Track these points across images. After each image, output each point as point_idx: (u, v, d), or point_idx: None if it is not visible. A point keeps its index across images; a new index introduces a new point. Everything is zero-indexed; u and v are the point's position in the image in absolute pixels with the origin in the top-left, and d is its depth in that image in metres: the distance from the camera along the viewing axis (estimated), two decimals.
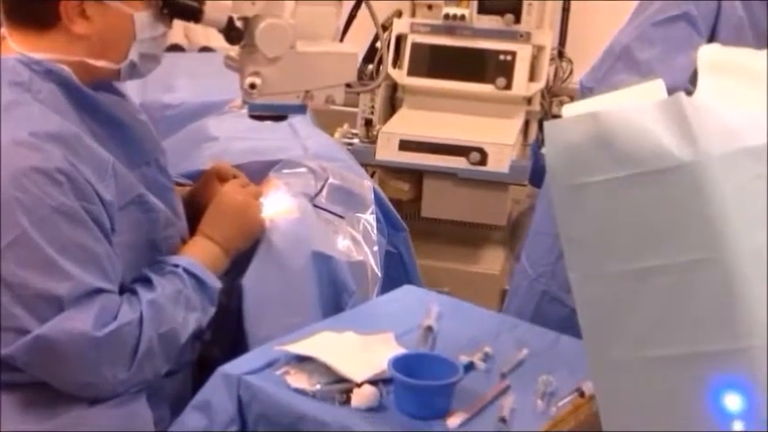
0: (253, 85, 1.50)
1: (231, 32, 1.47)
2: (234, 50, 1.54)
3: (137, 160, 1.48)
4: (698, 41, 1.66)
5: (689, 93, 1.03)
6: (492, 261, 2.82)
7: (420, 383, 1.30)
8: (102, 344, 1.32)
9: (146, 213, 1.46)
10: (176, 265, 1.47)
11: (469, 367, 1.43)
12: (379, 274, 1.80)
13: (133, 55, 1.42)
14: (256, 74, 1.51)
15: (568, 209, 1.05)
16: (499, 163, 2.57)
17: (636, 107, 1.01)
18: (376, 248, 1.82)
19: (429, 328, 1.52)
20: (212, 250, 1.56)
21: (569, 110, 1.06)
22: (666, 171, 0.99)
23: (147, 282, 1.43)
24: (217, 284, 1.52)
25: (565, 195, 1.05)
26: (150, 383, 1.43)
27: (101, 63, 1.40)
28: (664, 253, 1.03)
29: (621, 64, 1.74)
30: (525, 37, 2.78)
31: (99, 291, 1.33)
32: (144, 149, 1.51)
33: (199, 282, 1.48)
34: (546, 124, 1.04)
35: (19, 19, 1.38)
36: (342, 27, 2.79)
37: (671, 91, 1.04)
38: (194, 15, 1.44)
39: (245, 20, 1.48)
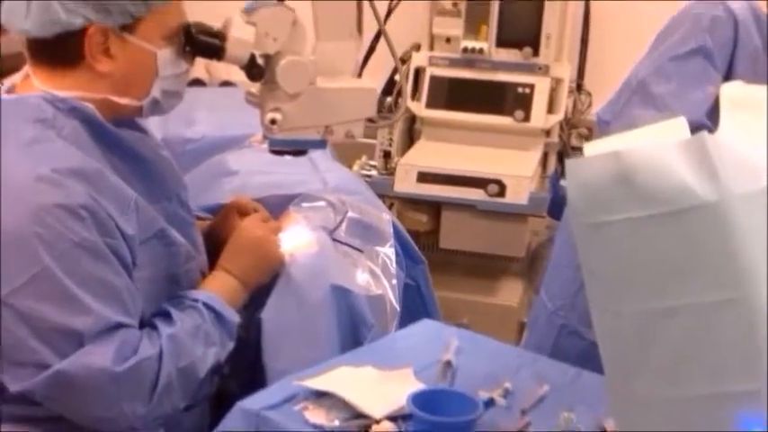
0: (273, 121, 1.52)
1: (253, 69, 1.48)
2: (255, 86, 1.55)
3: (158, 195, 1.49)
4: (714, 76, 1.66)
5: (707, 128, 1.03)
6: (510, 293, 2.81)
7: (439, 420, 1.29)
8: (122, 379, 1.32)
9: (167, 248, 1.47)
10: (196, 300, 1.48)
11: (489, 403, 1.42)
12: (398, 308, 1.79)
13: (156, 92, 1.44)
14: (277, 109, 1.52)
15: (590, 246, 1.05)
16: (518, 195, 2.58)
17: (658, 146, 1.01)
18: (395, 282, 1.82)
19: (448, 363, 1.51)
20: (231, 284, 1.56)
21: (591, 148, 1.06)
22: (689, 210, 0.99)
23: (167, 316, 1.44)
24: (236, 319, 1.52)
25: (586, 233, 1.05)
26: (168, 418, 1.43)
27: (124, 100, 1.42)
28: (685, 292, 1.03)
29: (638, 98, 1.75)
30: (544, 70, 2.79)
31: (119, 325, 1.34)
32: (165, 184, 1.52)
33: (218, 316, 1.48)
34: (568, 162, 1.04)
35: (43, 57, 1.40)
36: (361, 60, 2.82)
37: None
38: (216, 53, 1.46)
39: (267, 57, 1.50)
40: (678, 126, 1.09)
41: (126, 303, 1.36)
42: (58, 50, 1.37)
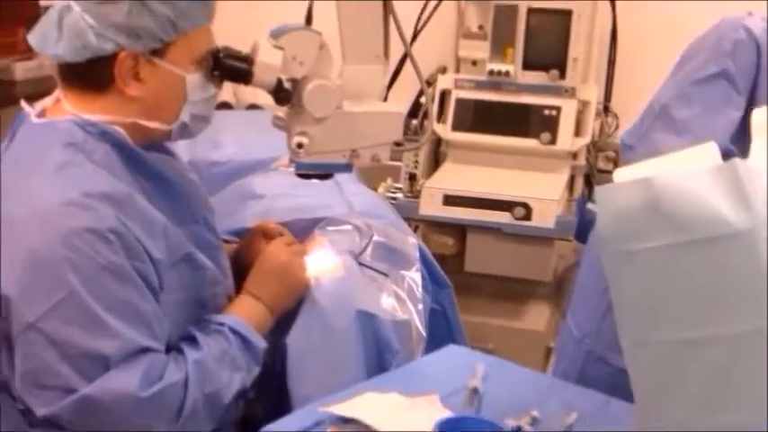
0: (300, 145, 1.52)
1: (280, 93, 1.48)
2: (282, 110, 1.55)
3: (185, 218, 1.49)
4: (737, 100, 1.64)
5: (731, 154, 1.01)
6: (537, 317, 2.78)
7: None
8: (148, 404, 1.32)
9: (194, 271, 1.47)
10: (222, 324, 1.47)
11: None
12: (424, 333, 1.78)
13: (184, 116, 1.44)
14: (304, 133, 1.52)
15: (620, 275, 1.04)
16: (544, 218, 2.56)
17: (689, 173, 1.00)
18: (421, 306, 1.80)
19: (475, 390, 1.50)
20: (258, 309, 1.55)
21: (621, 174, 1.05)
22: (722, 238, 0.97)
23: (193, 341, 1.43)
24: (262, 344, 1.51)
25: (616, 261, 1.04)
26: None
27: (153, 124, 1.42)
28: (717, 321, 1.01)
29: (660, 123, 1.73)
30: (570, 92, 2.78)
31: (146, 350, 1.34)
32: (192, 207, 1.52)
33: (244, 341, 1.48)
34: (597, 189, 1.03)
35: (74, 81, 1.41)
36: (387, 83, 2.82)
37: None
38: (244, 77, 1.46)
39: (294, 81, 1.50)
40: (708, 152, 1.08)
41: (153, 327, 1.36)
42: (89, 75, 1.38)
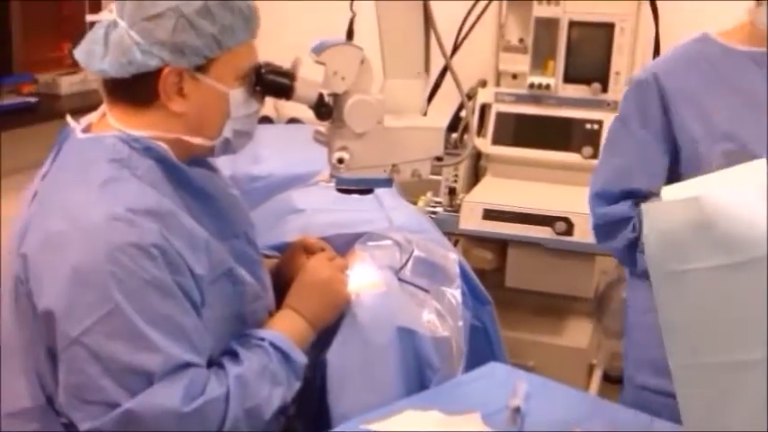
0: (341, 160, 1.51)
1: (321, 109, 1.48)
2: (323, 125, 1.55)
3: (227, 233, 1.49)
4: (633, 138, 1.75)
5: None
6: (578, 334, 2.75)
7: None
8: (189, 419, 1.32)
9: (235, 286, 1.47)
10: (263, 339, 1.47)
11: None
12: (464, 350, 1.76)
13: (227, 132, 1.45)
14: (344, 148, 1.51)
15: (669, 296, 1.01)
16: (586, 233, 2.51)
17: (739, 191, 0.97)
18: (461, 323, 1.79)
19: (517, 409, 1.47)
20: (298, 324, 1.55)
21: (669, 192, 1.03)
22: None
23: (234, 356, 1.43)
24: (302, 359, 1.50)
25: (665, 281, 1.01)
26: None
27: (197, 140, 1.43)
28: (765, 345, 0.98)
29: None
30: (612, 105, 2.74)
31: (187, 365, 1.34)
32: (234, 222, 1.52)
33: (285, 356, 1.47)
34: (645, 207, 1.01)
35: (119, 97, 1.42)
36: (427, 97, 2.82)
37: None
38: (286, 93, 1.46)
39: (335, 96, 1.50)
40: (758, 169, 1.05)
41: (194, 342, 1.36)
42: (134, 90, 1.39)
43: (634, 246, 1.70)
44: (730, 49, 1.71)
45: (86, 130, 1.45)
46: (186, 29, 1.35)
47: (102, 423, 1.30)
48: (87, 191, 1.34)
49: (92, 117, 1.48)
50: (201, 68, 1.39)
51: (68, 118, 1.48)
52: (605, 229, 1.81)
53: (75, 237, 1.31)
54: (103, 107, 1.46)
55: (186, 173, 1.43)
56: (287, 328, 1.52)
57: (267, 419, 1.42)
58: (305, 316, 1.55)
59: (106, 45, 1.37)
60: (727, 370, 1.00)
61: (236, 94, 1.43)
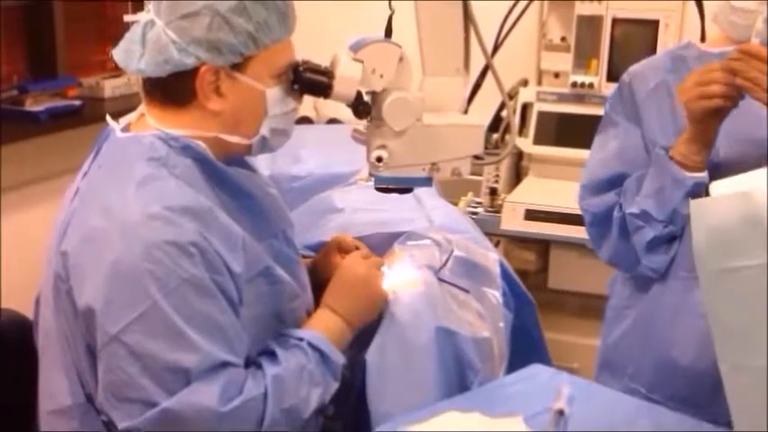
0: (380, 159, 1.50)
1: (359, 107, 1.47)
2: (361, 123, 1.54)
3: (265, 232, 1.49)
4: (618, 130, 1.76)
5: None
6: None
7: None
8: (227, 419, 1.31)
9: (272, 286, 1.46)
10: (301, 339, 1.46)
11: None
12: (506, 351, 1.73)
13: (264, 130, 1.44)
14: (383, 147, 1.50)
15: (718, 294, 0.98)
16: None
17: None
18: (502, 324, 1.76)
19: (560, 412, 1.45)
20: (336, 323, 1.54)
21: (717, 187, 1.00)
22: None
23: (272, 355, 1.42)
24: (340, 360, 1.49)
25: (714, 280, 0.98)
26: None
27: (234, 138, 1.42)
28: None
29: None
30: None
31: (225, 364, 1.33)
32: (272, 222, 1.52)
33: (323, 356, 1.46)
34: (692, 203, 0.98)
35: (157, 96, 1.42)
36: (467, 96, 2.80)
37: None
38: (324, 91, 1.45)
39: (373, 93, 1.48)
40: None
41: (232, 342, 1.36)
42: (171, 89, 1.40)
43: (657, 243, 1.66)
44: (704, 52, 1.70)
45: (125, 129, 1.46)
46: (222, 26, 1.35)
47: (140, 422, 1.30)
48: (125, 189, 1.34)
49: (131, 117, 1.49)
50: (238, 66, 1.38)
51: (108, 118, 1.49)
52: (598, 220, 1.77)
53: (113, 234, 1.31)
54: (142, 107, 1.46)
55: (224, 171, 1.42)
56: (324, 328, 1.51)
57: (306, 419, 1.41)
58: (342, 315, 1.54)
59: (143, 44, 1.37)
60: None
61: (273, 93, 1.42)
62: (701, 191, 1.50)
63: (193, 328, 1.30)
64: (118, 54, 1.41)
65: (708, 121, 1.54)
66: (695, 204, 0.98)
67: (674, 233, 1.61)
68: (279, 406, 1.37)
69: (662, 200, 1.61)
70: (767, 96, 1.43)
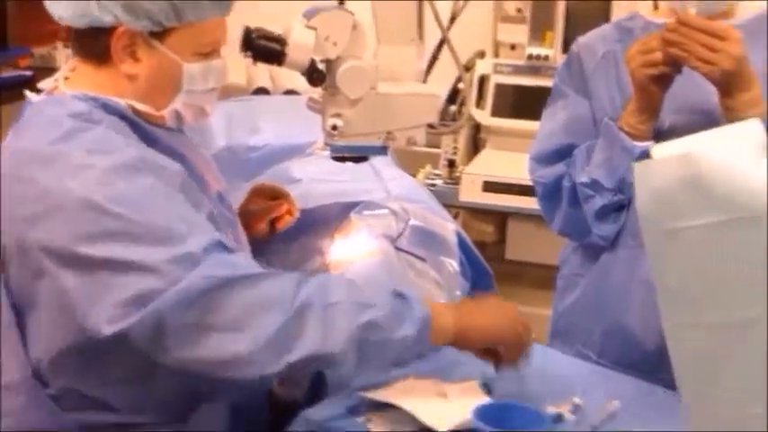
0: (334, 127, 1.50)
1: (313, 74, 1.46)
2: (316, 92, 1.54)
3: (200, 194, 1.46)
4: (566, 101, 1.78)
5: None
6: None
7: None
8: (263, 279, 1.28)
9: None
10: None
11: (558, 419, 1.38)
12: None
13: (177, 104, 1.41)
14: (338, 115, 1.50)
15: (662, 255, 1.00)
16: None
17: (731, 148, 0.96)
18: (459, 293, 1.78)
19: (516, 376, 1.47)
20: (446, 313, 1.40)
21: (659, 150, 1.01)
22: (763, 216, 0.93)
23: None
24: (424, 313, 1.34)
25: (657, 241, 1.00)
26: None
27: (141, 106, 1.39)
28: (761, 303, 0.97)
29: None
30: None
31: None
32: (206, 183, 1.48)
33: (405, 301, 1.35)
34: (636, 166, 1.00)
35: (78, 50, 1.41)
36: (424, 68, 2.80)
37: None
38: (277, 58, 1.44)
39: (327, 62, 1.48)
40: (751, 129, 1.03)
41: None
42: (89, 44, 1.37)
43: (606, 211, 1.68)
44: (650, 22, 1.73)
45: (54, 89, 1.42)
46: None
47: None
48: (52, 141, 1.30)
49: (63, 72, 1.44)
50: (158, 35, 1.36)
51: (27, 92, 1.44)
52: (549, 192, 1.79)
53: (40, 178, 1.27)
54: (62, 71, 1.43)
55: (150, 130, 1.39)
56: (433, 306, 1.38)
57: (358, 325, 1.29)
58: (458, 315, 1.41)
59: None
60: (724, 329, 0.99)
61: (192, 69, 1.39)
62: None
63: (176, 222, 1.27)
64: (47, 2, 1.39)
65: (652, 88, 1.56)
66: (639, 167, 1.00)
67: (623, 202, 1.63)
68: (323, 300, 1.27)
69: (611, 169, 1.63)
70: (704, 66, 1.46)
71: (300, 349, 1.26)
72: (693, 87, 1.56)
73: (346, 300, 1.30)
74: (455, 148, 2.78)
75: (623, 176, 1.60)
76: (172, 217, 1.29)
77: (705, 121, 1.52)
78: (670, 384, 1.19)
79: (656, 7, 1.91)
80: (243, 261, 1.32)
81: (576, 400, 1.42)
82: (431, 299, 1.49)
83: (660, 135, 1.58)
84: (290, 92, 2.92)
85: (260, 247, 1.66)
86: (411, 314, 1.34)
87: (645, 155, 1.55)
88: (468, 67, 2.84)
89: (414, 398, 1.38)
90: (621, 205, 1.64)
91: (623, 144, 1.60)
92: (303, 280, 1.31)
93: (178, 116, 1.43)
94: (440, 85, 2.74)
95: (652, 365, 1.54)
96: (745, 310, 0.97)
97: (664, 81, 1.55)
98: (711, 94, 1.53)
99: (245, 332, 1.24)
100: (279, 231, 1.73)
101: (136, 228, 1.26)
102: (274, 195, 1.71)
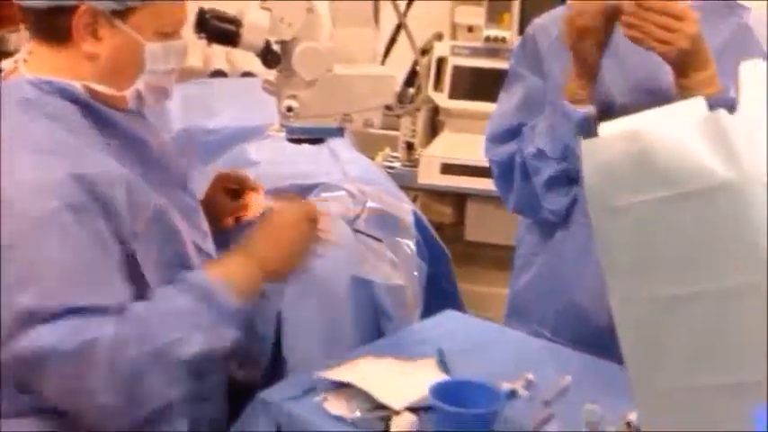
0: (290, 108, 1.50)
1: (268, 56, 1.46)
2: (273, 75, 1.54)
3: (161, 180, 1.43)
4: (522, 82, 1.79)
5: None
6: None
7: (460, 411, 1.27)
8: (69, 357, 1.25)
9: (170, 232, 1.40)
10: (184, 280, 1.37)
11: (511, 395, 1.40)
12: (420, 299, 1.77)
13: (139, 84, 1.40)
14: (294, 97, 1.50)
15: (608, 230, 1.02)
16: None
17: (676, 124, 0.98)
18: (416, 273, 1.80)
19: (470, 354, 1.49)
20: (245, 268, 1.41)
21: (606, 128, 1.03)
22: (709, 191, 0.96)
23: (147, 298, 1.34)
24: (235, 305, 1.37)
25: (603, 216, 1.02)
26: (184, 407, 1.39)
27: (102, 88, 1.37)
28: (706, 277, 0.99)
29: None
30: None
31: (81, 309, 1.26)
32: (169, 170, 1.47)
33: (211, 299, 1.35)
34: (583, 143, 1.01)
35: (36, 32, 1.38)
36: (383, 51, 2.80)
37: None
38: (231, 39, 1.43)
39: (283, 43, 1.48)
40: (696, 106, 1.05)
41: (95, 284, 1.28)
42: (49, 25, 1.35)
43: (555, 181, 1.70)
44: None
45: (12, 71, 1.40)
46: None
47: None
48: None
49: (19, 56, 1.41)
50: (120, 14, 1.34)
51: None
52: (503, 171, 1.80)
53: None
54: (18, 55, 1.41)
55: (106, 114, 1.37)
56: (227, 272, 1.39)
57: (183, 361, 1.30)
58: (256, 260, 1.42)
59: None
60: (666, 304, 1.01)
61: (154, 48, 1.37)
62: (590, 125, 1.53)
63: (48, 270, 1.24)
64: None
65: (587, 50, 1.56)
66: (586, 144, 1.01)
67: (570, 173, 1.64)
68: (140, 347, 1.27)
69: (554, 136, 1.64)
70: (661, 46, 1.47)
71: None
72: (648, 68, 1.58)
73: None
74: (413, 130, 2.79)
75: (566, 143, 1.61)
76: (50, 261, 1.24)
77: (658, 101, 1.54)
78: (623, 361, 1.22)
79: None
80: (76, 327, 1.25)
81: (529, 376, 1.45)
82: (223, 261, 1.43)
83: (612, 114, 1.60)
84: (247, 74, 2.90)
85: (225, 235, 1.65)
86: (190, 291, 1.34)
87: (585, 120, 1.57)
88: (426, 50, 2.84)
89: (371, 376, 1.40)
90: (570, 177, 1.66)
91: (564, 109, 1.60)
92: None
93: (139, 97, 1.41)
94: (398, 68, 2.74)
95: (605, 342, 1.55)
96: (691, 284, 1.00)
97: (594, 38, 1.55)
98: (666, 74, 1.55)
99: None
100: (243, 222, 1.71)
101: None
102: (238, 183, 1.68)
